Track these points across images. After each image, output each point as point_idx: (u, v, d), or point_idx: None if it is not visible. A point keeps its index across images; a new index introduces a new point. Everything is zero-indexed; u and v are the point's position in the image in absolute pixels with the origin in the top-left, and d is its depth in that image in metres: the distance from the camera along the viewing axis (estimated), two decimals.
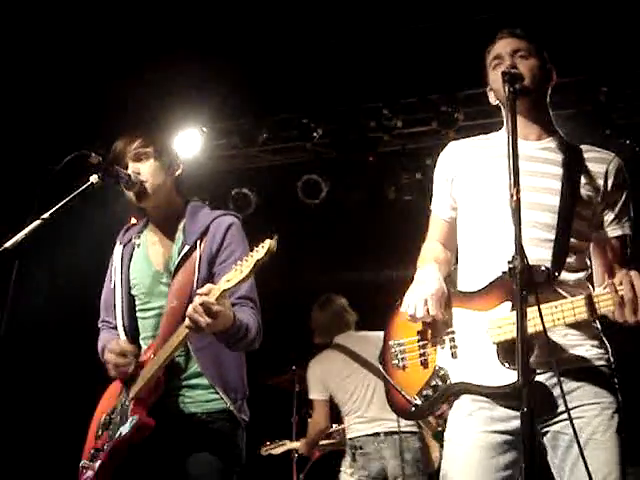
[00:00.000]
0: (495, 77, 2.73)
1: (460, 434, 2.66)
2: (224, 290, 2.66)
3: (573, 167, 2.69)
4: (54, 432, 6.50)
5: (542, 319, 2.31)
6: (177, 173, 3.27)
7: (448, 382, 2.65)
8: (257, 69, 6.31)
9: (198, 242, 3.09)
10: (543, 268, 2.48)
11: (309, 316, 6.62)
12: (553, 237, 2.61)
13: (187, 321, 2.72)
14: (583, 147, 2.77)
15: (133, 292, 3.22)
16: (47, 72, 6.16)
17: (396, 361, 2.79)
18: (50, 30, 5.83)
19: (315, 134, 6.97)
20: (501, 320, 2.56)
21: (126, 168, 3.13)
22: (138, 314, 3.21)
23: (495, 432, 2.59)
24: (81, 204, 2.94)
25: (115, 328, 3.24)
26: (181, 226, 3.19)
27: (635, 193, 2.77)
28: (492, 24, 3.02)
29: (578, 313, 2.45)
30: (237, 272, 2.62)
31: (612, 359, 2.66)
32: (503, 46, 2.75)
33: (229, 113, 6.99)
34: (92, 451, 3.05)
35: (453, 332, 2.68)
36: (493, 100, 2.85)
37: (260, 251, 2.58)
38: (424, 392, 2.69)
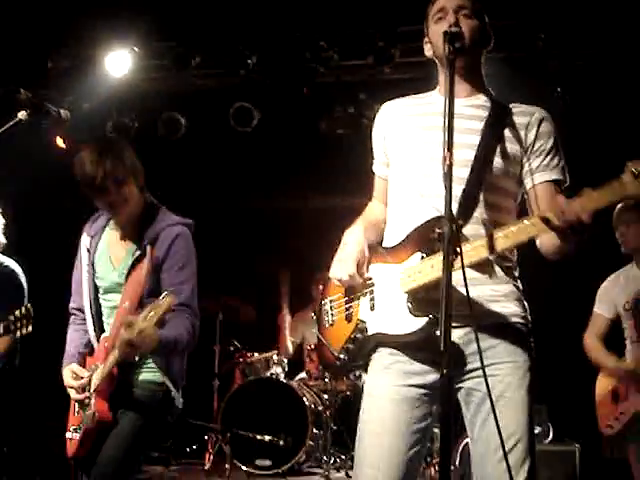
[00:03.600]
0: (436, 31, 2.70)
1: (377, 387, 2.72)
2: (141, 329, 2.97)
3: (496, 122, 2.69)
4: None
5: (464, 271, 2.34)
6: (142, 180, 3.45)
7: (366, 334, 2.72)
8: None
9: (148, 248, 3.33)
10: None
11: (233, 241, 6.58)
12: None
13: (117, 351, 3.11)
14: (511, 104, 2.77)
15: (96, 282, 3.50)
16: None
17: (327, 318, 2.87)
18: None
19: (249, 61, 6.86)
20: (411, 269, 2.60)
21: (106, 192, 3.30)
22: (101, 301, 3.50)
23: (411, 386, 2.65)
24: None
25: (83, 321, 3.55)
26: (139, 229, 3.43)
27: (564, 143, 2.78)
28: None
29: (480, 253, 2.48)
30: (151, 315, 2.97)
31: (529, 317, 2.70)
32: (448, 0, 2.72)
33: (162, 34, 6.83)
34: (73, 426, 3.45)
35: (372, 285, 2.74)
36: (428, 52, 2.82)
37: (163, 305, 2.97)
38: (346, 345, 2.76)
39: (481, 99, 2.77)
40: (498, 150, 2.66)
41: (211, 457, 6.59)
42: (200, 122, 7.41)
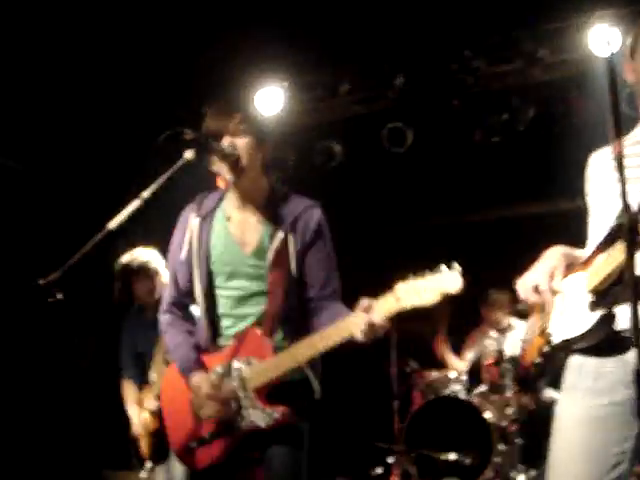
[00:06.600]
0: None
1: (563, 409, 2.63)
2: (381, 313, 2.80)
3: None
4: None
5: None
6: (267, 153, 3.28)
7: (552, 345, 2.65)
8: (334, 19, 6.23)
9: (289, 231, 3.15)
10: None
11: (391, 266, 6.52)
12: None
13: (362, 334, 2.83)
14: None
15: (212, 268, 3.22)
16: (132, 45, 6.21)
17: (529, 334, 2.83)
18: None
19: (397, 81, 6.88)
20: (594, 268, 2.52)
21: (220, 140, 3.14)
22: (217, 291, 3.22)
23: (600, 405, 2.51)
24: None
25: (183, 320, 3.31)
26: (268, 210, 3.22)
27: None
28: None
29: None
30: (417, 296, 2.77)
31: None
32: None
33: (309, 66, 6.96)
34: (207, 433, 3.12)
35: (562, 296, 2.66)
36: (630, 77, 2.66)
37: (450, 287, 2.72)
38: (537, 360, 2.71)
39: None
40: None
41: None
42: (354, 148, 7.48)
